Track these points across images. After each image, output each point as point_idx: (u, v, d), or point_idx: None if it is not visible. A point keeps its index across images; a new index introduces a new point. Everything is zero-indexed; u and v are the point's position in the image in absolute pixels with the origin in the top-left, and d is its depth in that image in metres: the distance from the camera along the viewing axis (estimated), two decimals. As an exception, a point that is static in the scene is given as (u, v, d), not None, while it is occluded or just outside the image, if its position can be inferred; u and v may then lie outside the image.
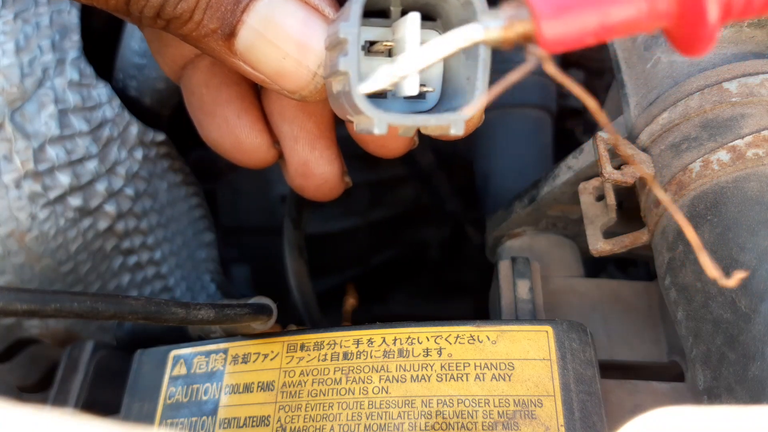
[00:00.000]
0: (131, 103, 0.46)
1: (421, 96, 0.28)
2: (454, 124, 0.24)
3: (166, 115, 0.49)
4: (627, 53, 0.39)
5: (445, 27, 0.27)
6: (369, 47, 0.27)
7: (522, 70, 0.19)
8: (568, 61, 0.72)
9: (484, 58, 0.24)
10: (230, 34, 0.28)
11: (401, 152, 0.36)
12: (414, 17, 0.25)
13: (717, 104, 0.34)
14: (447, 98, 0.28)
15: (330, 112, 0.35)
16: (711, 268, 0.19)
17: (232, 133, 0.36)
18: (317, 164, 0.36)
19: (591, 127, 0.73)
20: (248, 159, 0.36)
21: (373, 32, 0.27)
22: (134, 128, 0.45)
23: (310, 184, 0.36)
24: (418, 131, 0.28)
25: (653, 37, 0.38)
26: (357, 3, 0.23)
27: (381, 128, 0.23)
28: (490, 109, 0.63)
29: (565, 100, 0.72)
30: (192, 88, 0.36)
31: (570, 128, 0.75)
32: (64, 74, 0.41)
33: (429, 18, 0.27)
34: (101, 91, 0.43)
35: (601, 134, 0.36)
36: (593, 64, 0.73)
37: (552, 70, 0.19)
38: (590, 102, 0.19)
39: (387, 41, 0.27)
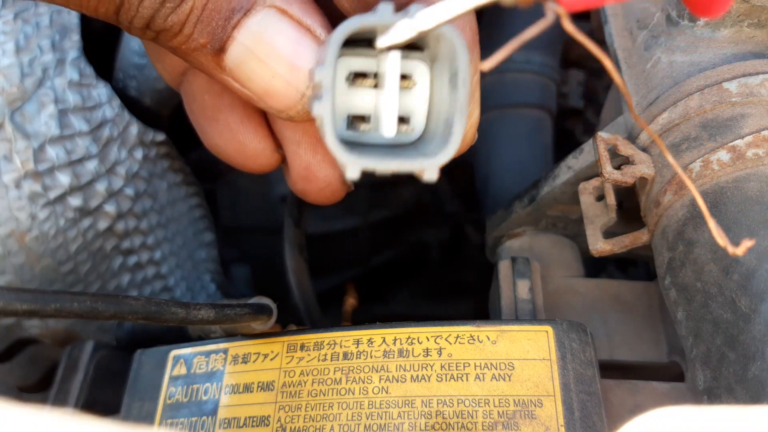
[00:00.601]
0: (131, 103, 0.46)
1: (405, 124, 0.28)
2: (428, 169, 0.24)
3: (166, 115, 0.49)
4: (627, 53, 0.39)
5: (432, 58, 0.26)
6: (353, 78, 0.27)
7: (539, 26, 0.19)
8: (568, 61, 0.72)
9: (462, 104, 0.24)
10: (220, 50, 0.27)
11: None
12: (394, 56, 0.25)
13: (717, 104, 0.34)
14: (428, 135, 0.27)
15: None
16: (719, 237, 0.19)
17: (236, 138, 0.35)
18: (320, 168, 0.35)
19: (591, 127, 0.73)
20: (252, 164, 0.36)
21: (357, 63, 0.26)
22: (134, 128, 0.45)
23: (313, 187, 0.36)
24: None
25: (653, 37, 0.38)
26: (333, 46, 0.23)
27: (353, 173, 0.23)
28: (490, 109, 0.64)
29: (565, 100, 0.72)
30: (193, 94, 0.36)
31: (570, 128, 0.75)
32: (64, 74, 0.41)
33: (417, 47, 0.27)
34: (101, 91, 0.43)
35: (601, 134, 0.36)
36: (593, 64, 0.73)
37: (569, 27, 0.19)
38: (606, 62, 0.19)
39: (371, 73, 0.26)
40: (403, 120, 0.27)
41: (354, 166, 0.23)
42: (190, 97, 0.36)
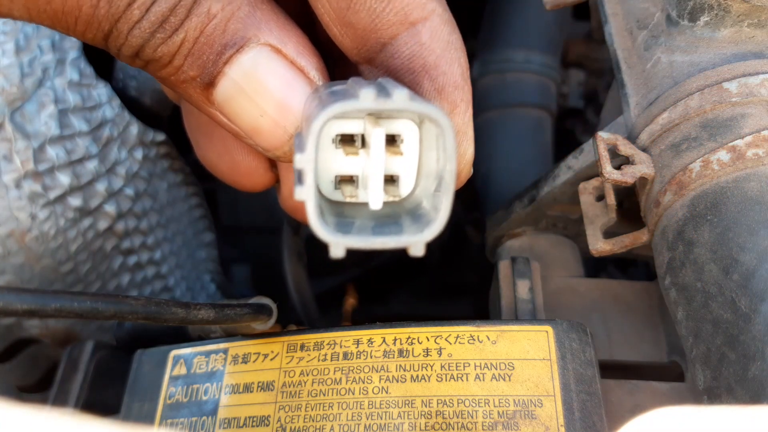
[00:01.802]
0: (131, 103, 0.46)
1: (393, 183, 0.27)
2: (415, 246, 0.24)
3: (166, 115, 0.49)
4: (627, 53, 0.39)
5: (420, 117, 0.26)
6: (340, 140, 0.26)
7: None
8: (568, 61, 0.72)
9: (449, 182, 0.24)
10: (209, 84, 0.27)
11: None
12: (378, 134, 0.24)
13: (717, 104, 0.34)
14: (418, 193, 0.27)
15: None
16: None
17: (230, 155, 0.35)
18: None
19: (591, 127, 0.73)
20: (245, 182, 0.36)
21: (344, 125, 0.26)
22: (134, 128, 0.45)
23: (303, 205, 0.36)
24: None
25: (653, 37, 0.38)
26: (314, 133, 0.23)
27: (337, 252, 0.23)
28: (490, 109, 0.64)
29: (565, 100, 0.72)
30: (190, 108, 0.36)
31: (570, 128, 0.75)
32: (64, 74, 0.41)
33: None
34: (101, 91, 0.43)
35: (601, 134, 0.36)
36: (593, 64, 0.73)
37: None
38: None
39: (358, 135, 0.26)
40: (393, 180, 0.27)
41: (338, 246, 0.23)
42: (188, 111, 0.36)
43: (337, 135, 0.26)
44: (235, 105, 0.27)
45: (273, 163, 0.36)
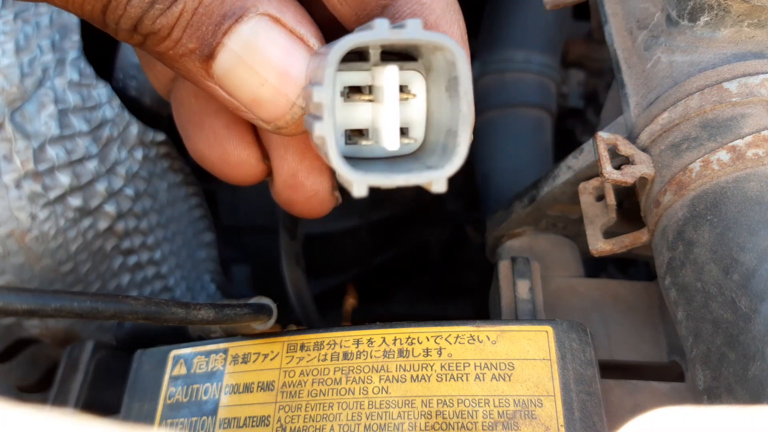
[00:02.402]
0: (131, 103, 0.46)
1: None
2: (437, 181, 0.24)
3: (166, 115, 0.49)
4: (627, 53, 0.39)
5: (427, 67, 0.26)
6: (348, 93, 0.26)
7: None
8: (568, 61, 0.72)
9: (466, 114, 0.24)
10: (209, 56, 0.26)
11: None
12: (392, 70, 0.24)
13: (717, 104, 0.34)
14: (428, 145, 0.27)
15: None
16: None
17: (220, 144, 0.35)
18: (307, 176, 0.35)
19: (591, 127, 0.73)
20: (236, 173, 0.35)
21: (352, 77, 0.26)
22: (134, 128, 0.45)
23: (299, 196, 0.35)
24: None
25: (653, 37, 0.38)
26: (331, 65, 0.23)
27: (360, 190, 0.23)
28: (490, 109, 0.64)
29: (565, 100, 0.72)
30: (181, 99, 0.35)
31: (570, 128, 0.75)
32: (64, 74, 0.41)
33: (410, 57, 0.27)
34: (101, 91, 0.43)
35: (601, 134, 0.36)
36: (593, 64, 0.73)
37: None
38: None
39: (366, 87, 0.26)
40: (402, 132, 0.27)
41: (361, 184, 0.23)
42: (178, 102, 0.36)
43: (345, 87, 0.26)
44: (235, 76, 0.27)
45: (264, 155, 0.35)
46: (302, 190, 0.35)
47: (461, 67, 0.23)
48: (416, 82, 0.26)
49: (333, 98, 0.23)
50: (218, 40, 0.26)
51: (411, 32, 0.23)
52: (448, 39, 0.23)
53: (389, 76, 0.24)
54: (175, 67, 0.28)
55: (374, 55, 0.26)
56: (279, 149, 0.34)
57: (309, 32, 0.27)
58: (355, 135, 0.27)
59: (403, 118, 0.26)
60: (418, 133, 0.27)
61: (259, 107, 0.27)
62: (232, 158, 0.35)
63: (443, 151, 0.25)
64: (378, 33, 0.23)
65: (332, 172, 0.36)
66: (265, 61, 0.26)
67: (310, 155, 0.34)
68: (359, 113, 0.26)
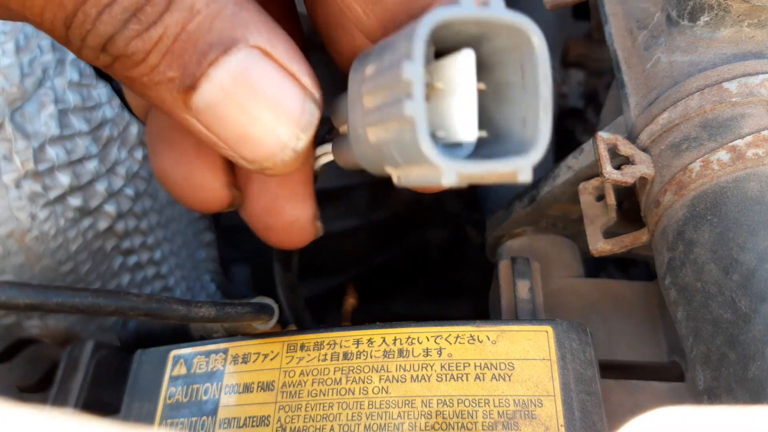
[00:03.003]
0: (131, 103, 0.46)
1: (457, 144, 0.25)
2: (521, 170, 0.22)
3: (166, 115, 0.49)
4: (627, 53, 0.39)
5: (485, 52, 0.24)
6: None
7: None
8: (568, 61, 0.72)
9: (546, 100, 0.22)
10: (190, 87, 0.24)
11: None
12: (468, 55, 0.22)
13: (717, 104, 0.34)
14: (497, 137, 0.25)
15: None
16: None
17: (188, 164, 0.31)
18: (287, 202, 0.32)
19: (591, 127, 0.73)
20: (197, 196, 0.32)
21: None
22: (134, 128, 0.45)
23: (278, 223, 0.33)
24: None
25: (653, 37, 0.38)
26: (420, 37, 0.21)
27: (450, 178, 0.21)
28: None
29: (565, 100, 0.72)
30: (156, 113, 0.32)
31: (570, 128, 0.75)
32: (64, 74, 0.41)
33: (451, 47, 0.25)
34: (101, 91, 0.43)
35: (601, 134, 0.36)
36: (593, 64, 0.73)
37: None
38: None
39: (429, 82, 0.24)
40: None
41: (451, 172, 0.21)
42: (153, 116, 0.33)
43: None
44: (220, 111, 0.24)
45: (232, 182, 0.32)
46: (282, 215, 0.33)
47: (541, 51, 0.22)
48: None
49: (423, 74, 0.21)
50: (203, 71, 0.23)
51: (496, 11, 0.21)
52: (530, 20, 0.22)
53: (465, 61, 0.23)
54: (147, 95, 0.25)
55: (429, 51, 0.24)
56: (270, 176, 0.31)
57: (302, 69, 0.25)
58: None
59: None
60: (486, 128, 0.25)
61: (244, 146, 0.25)
62: (195, 181, 0.32)
63: (519, 141, 0.23)
64: (464, 8, 0.21)
65: (315, 201, 0.34)
66: (257, 97, 0.24)
67: (291, 183, 0.32)
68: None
